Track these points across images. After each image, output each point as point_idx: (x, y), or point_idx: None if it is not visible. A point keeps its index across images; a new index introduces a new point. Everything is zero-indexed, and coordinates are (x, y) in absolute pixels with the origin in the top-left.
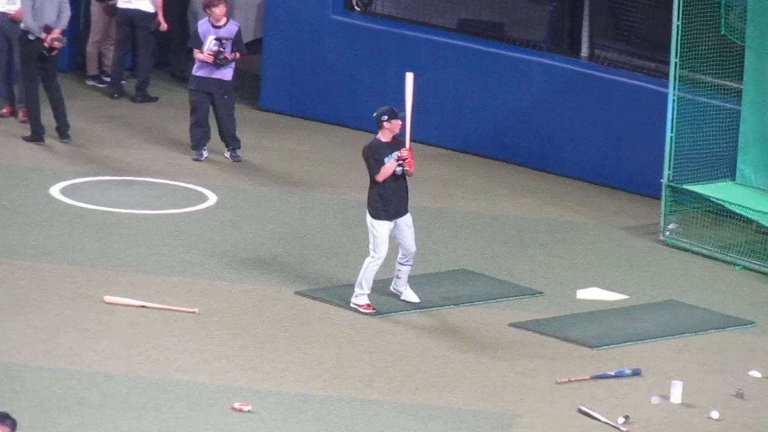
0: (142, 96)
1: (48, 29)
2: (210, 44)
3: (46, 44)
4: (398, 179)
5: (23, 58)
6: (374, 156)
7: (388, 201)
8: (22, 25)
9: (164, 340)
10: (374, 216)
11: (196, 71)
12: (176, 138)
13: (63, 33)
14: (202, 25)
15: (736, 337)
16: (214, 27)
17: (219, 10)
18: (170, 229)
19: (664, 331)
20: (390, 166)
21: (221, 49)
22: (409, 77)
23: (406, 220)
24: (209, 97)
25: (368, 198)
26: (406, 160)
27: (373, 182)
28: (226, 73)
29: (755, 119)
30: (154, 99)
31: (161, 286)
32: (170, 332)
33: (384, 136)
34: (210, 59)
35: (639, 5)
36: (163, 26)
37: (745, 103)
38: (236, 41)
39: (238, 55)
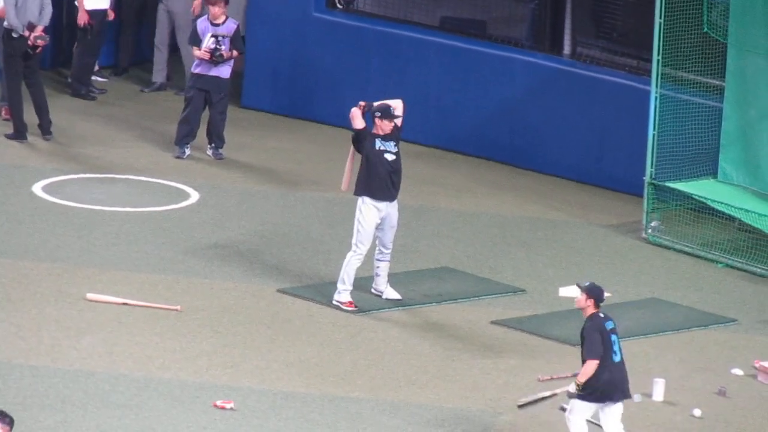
0: (73, 90)
1: (31, 27)
2: (208, 41)
3: (29, 42)
4: (395, 157)
5: (7, 57)
6: (365, 136)
7: (379, 180)
8: (5, 23)
9: (146, 337)
10: (363, 193)
11: (194, 69)
12: (158, 136)
13: (45, 30)
14: (201, 23)
15: (719, 334)
16: (213, 24)
17: (216, 9)
18: (152, 226)
19: (646, 329)
20: (354, 111)
21: (218, 47)
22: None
23: (393, 214)
24: (205, 95)
25: (357, 179)
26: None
27: (366, 163)
28: (224, 71)
29: (737, 117)
30: (88, 96)
31: (143, 283)
32: (152, 330)
33: (375, 129)
34: (207, 56)
35: (621, 3)
36: (82, 18)
37: (727, 100)
38: (234, 39)
39: (235, 53)
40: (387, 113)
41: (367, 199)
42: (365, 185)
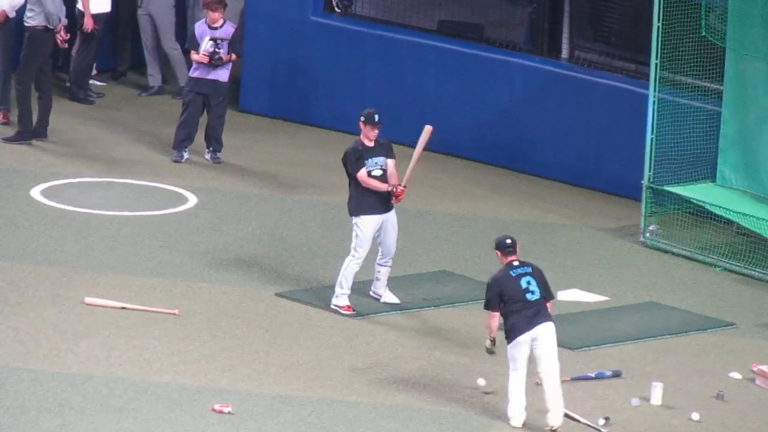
0: (72, 94)
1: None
2: (206, 45)
3: (59, 36)
4: (381, 173)
5: (31, 55)
6: (355, 155)
7: (373, 197)
8: (33, 22)
9: (144, 341)
10: (359, 213)
11: (192, 72)
12: (156, 140)
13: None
14: (199, 27)
15: (717, 338)
16: (211, 28)
17: (216, 14)
18: (150, 230)
19: (644, 332)
20: (379, 185)
21: (217, 50)
22: (427, 130)
23: (391, 219)
24: (203, 99)
25: (350, 198)
26: (398, 197)
27: (354, 182)
28: (222, 74)
29: (735, 121)
30: (87, 100)
31: (141, 287)
32: (150, 333)
33: (365, 138)
34: (205, 60)
35: (619, 6)
36: (88, 24)
37: (726, 104)
38: (232, 42)
39: (234, 56)
40: (369, 118)
41: (362, 217)
42: (357, 206)
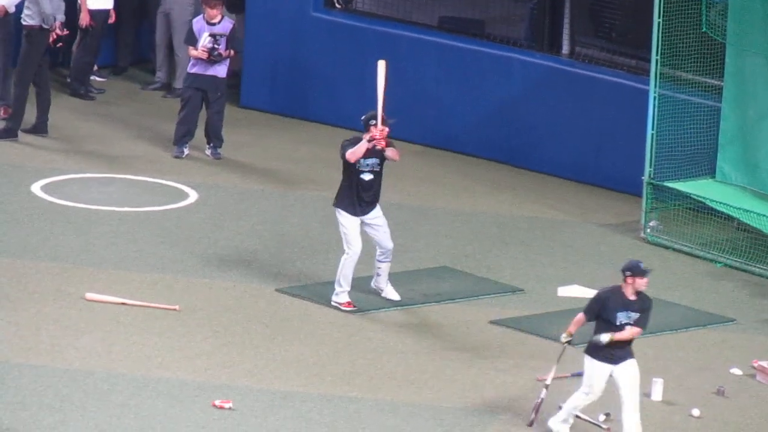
0: (72, 89)
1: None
2: (204, 40)
3: (55, 34)
4: (372, 177)
5: (30, 54)
6: (352, 143)
7: (354, 195)
8: (31, 21)
9: (145, 337)
10: (338, 205)
11: (191, 68)
12: (157, 135)
13: (62, 24)
14: (197, 23)
15: (717, 334)
16: (209, 24)
17: (214, 11)
18: (151, 226)
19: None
20: (361, 145)
21: (215, 46)
22: (381, 66)
23: (373, 221)
24: (202, 95)
25: (338, 192)
26: (376, 139)
27: (344, 176)
28: (220, 70)
29: (735, 116)
30: (87, 96)
31: (142, 283)
32: (151, 329)
33: (369, 136)
34: (204, 56)
35: (620, 2)
36: (84, 19)
37: (726, 100)
38: (230, 38)
39: (232, 52)
40: (382, 120)
41: (341, 210)
42: (339, 198)
